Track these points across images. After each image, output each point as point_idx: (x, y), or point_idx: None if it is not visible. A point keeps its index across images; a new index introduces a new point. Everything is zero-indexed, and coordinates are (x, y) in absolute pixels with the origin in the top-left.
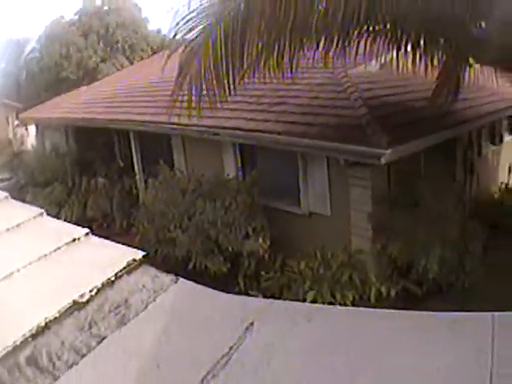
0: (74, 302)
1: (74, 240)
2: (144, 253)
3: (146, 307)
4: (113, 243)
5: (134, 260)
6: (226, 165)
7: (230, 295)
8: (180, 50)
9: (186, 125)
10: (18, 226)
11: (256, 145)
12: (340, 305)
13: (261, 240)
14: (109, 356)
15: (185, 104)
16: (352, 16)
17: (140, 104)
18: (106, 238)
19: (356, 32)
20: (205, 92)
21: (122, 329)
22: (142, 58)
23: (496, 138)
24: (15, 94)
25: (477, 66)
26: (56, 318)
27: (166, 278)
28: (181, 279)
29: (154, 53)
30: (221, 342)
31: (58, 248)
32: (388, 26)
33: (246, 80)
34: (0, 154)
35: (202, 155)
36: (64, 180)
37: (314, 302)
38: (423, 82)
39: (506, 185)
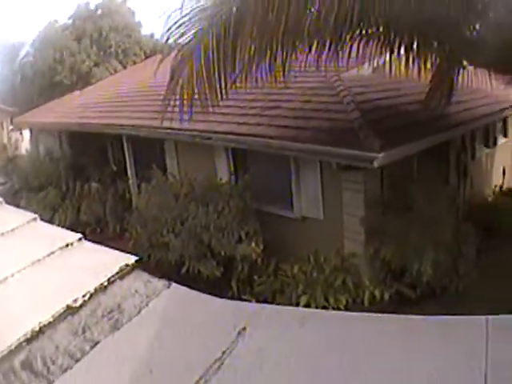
0: (68, 307)
1: (67, 245)
2: (136, 258)
3: (138, 312)
4: (105, 248)
5: (127, 265)
6: (219, 169)
7: (222, 300)
8: (172, 55)
9: (179, 129)
10: (12, 230)
11: (248, 149)
12: (333, 309)
13: (254, 244)
14: (102, 361)
15: (177, 108)
16: (344, 19)
17: (133, 108)
18: (100, 242)
19: (349, 35)
20: (196, 96)
21: (115, 333)
22: (134, 63)
23: (490, 141)
24: (10, 98)
25: (470, 68)
26: (50, 323)
27: (159, 283)
28: (173, 284)
29: (147, 57)
30: (213, 347)
31: (52, 253)
32: (381, 29)
33: (239, 84)
34: None
35: (195, 159)
36: (58, 184)
37: (307, 306)
38: (416, 85)
39: (501, 187)
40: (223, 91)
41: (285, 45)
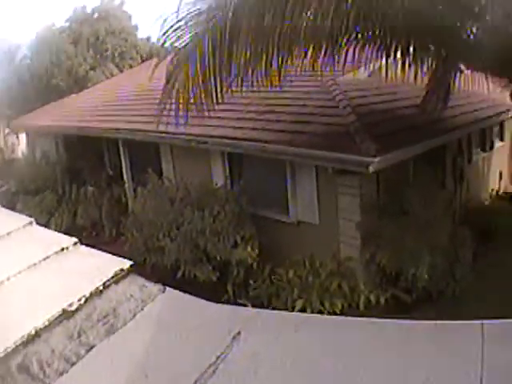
0: (64, 311)
1: (63, 249)
2: (131, 262)
3: (134, 316)
4: (101, 252)
5: (122, 270)
6: (215, 173)
7: (217, 304)
8: (168, 59)
9: (174, 133)
10: (8, 234)
11: (244, 153)
12: (329, 313)
13: (249, 249)
14: (98, 365)
15: (173, 112)
16: (341, 23)
17: (128, 112)
18: (96, 246)
19: (345, 39)
20: (192, 100)
21: (111, 338)
22: (131, 66)
23: (486, 145)
24: (7, 101)
25: (467, 71)
26: (46, 327)
27: (154, 288)
28: (168, 289)
29: (144, 61)
30: (208, 351)
31: (48, 257)
32: (377, 33)
33: (234, 88)
34: None
35: (191, 164)
36: (54, 188)
37: (302, 310)
38: (412, 89)
39: (497, 191)
40: (219, 95)
41: (281, 49)
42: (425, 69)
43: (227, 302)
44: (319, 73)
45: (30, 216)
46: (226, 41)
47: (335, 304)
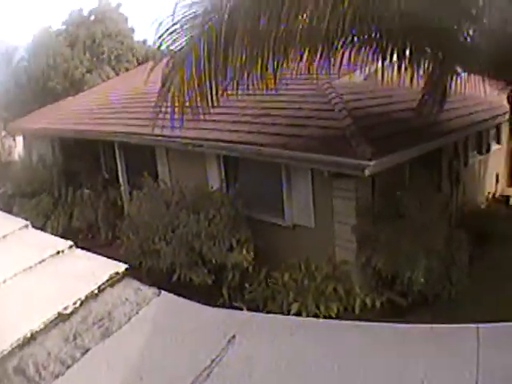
0: (59, 314)
1: (58, 252)
2: (126, 266)
3: (129, 320)
4: (96, 256)
5: (117, 273)
6: (210, 176)
7: (212, 308)
8: (164, 62)
9: (170, 136)
10: (3, 237)
11: (240, 156)
12: (324, 316)
13: (245, 252)
14: (93, 368)
15: (168, 115)
16: (336, 26)
17: (124, 115)
18: (92, 249)
19: (340, 42)
20: (188, 104)
21: (106, 341)
22: (127, 69)
23: (483, 148)
24: (4, 103)
25: (464, 74)
26: (42, 330)
27: (149, 291)
28: (163, 292)
29: (140, 64)
30: (203, 355)
31: (43, 260)
32: (373, 36)
33: (230, 92)
34: None
35: (186, 167)
36: (51, 191)
37: (298, 313)
38: (409, 92)
39: (494, 194)
40: (214, 99)
41: (276, 52)
42: (421, 72)
43: (223, 306)
44: (315, 76)
45: (27, 219)
46: (222, 44)
47: (331, 307)
